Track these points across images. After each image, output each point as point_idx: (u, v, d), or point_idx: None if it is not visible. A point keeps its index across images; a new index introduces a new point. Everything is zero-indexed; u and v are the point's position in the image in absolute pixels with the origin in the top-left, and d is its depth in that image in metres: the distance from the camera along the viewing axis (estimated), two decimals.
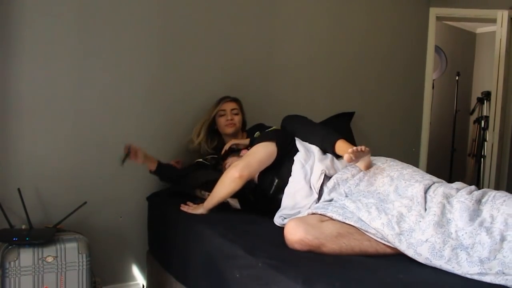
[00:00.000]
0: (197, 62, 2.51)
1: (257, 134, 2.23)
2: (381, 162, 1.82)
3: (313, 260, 1.35)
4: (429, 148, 3.66)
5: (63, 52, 2.13)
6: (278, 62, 2.82)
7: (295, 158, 1.85)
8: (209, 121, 2.37)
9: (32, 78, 2.07)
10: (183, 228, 1.89)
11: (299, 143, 1.93)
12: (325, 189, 1.76)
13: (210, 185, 2.02)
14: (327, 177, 1.79)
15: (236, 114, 2.37)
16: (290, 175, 1.82)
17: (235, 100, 2.42)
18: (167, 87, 2.43)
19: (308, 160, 1.83)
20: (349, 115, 3.06)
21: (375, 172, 1.74)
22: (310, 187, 1.78)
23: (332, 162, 1.84)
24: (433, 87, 3.81)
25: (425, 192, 1.52)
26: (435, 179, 1.62)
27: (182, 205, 1.98)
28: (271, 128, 2.21)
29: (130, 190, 2.32)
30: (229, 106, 2.37)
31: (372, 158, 1.88)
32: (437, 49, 4.31)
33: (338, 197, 1.68)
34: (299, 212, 1.74)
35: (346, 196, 1.68)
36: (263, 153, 1.85)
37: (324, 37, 3.02)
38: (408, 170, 1.69)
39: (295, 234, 1.43)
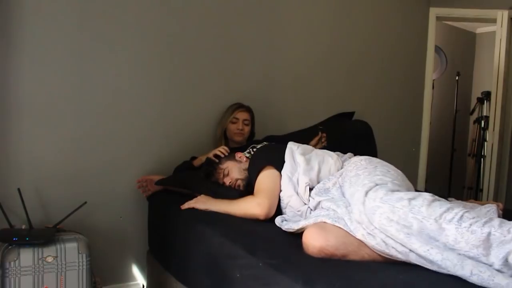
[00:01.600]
0: (196, 60, 2.51)
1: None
2: (354, 165, 1.77)
3: (313, 260, 1.35)
4: (429, 148, 3.66)
5: (64, 53, 2.13)
6: (278, 62, 2.82)
7: (282, 172, 1.85)
8: (223, 126, 2.49)
9: (33, 79, 2.07)
10: (183, 228, 1.89)
11: (288, 154, 1.90)
12: (311, 200, 1.75)
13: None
14: (311, 189, 1.78)
15: (247, 125, 2.48)
16: (281, 190, 1.83)
17: (249, 110, 2.52)
18: (169, 88, 2.43)
19: (294, 173, 1.83)
20: (349, 115, 3.07)
21: (351, 179, 1.68)
22: (300, 198, 1.78)
23: (317, 174, 1.81)
24: (433, 87, 3.81)
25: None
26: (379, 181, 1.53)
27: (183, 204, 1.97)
28: (260, 146, 2.21)
29: (130, 190, 2.32)
30: (242, 116, 2.47)
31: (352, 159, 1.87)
32: (437, 49, 4.30)
33: (324, 202, 1.65)
34: (300, 215, 1.75)
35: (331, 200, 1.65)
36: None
37: (323, 37, 3.02)
38: (360, 176, 1.62)
39: (315, 244, 1.37)
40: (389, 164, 1.74)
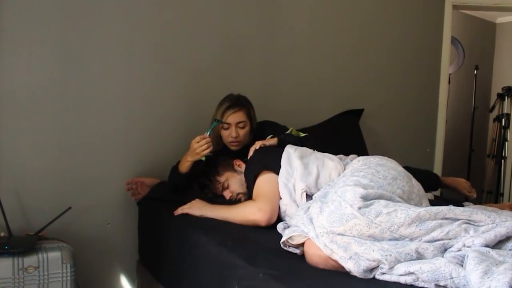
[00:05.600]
0: (193, 53, 2.51)
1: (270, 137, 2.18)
2: (352, 167, 1.78)
3: (317, 270, 1.36)
4: (445, 149, 3.67)
5: (47, 47, 2.13)
6: (280, 55, 2.83)
7: (278, 178, 1.86)
8: (216, 133, 2.21)
9: (14, 75, 2.07)
10: (177, 236, 1.89)
11: (284, 159, 1.90)
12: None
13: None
14: (309, 197, 1.77)
15: (243, 127, 2.18)
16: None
17: (242, 108, 2.17)
18: (160, 83, 2.43)
19: (290, 179, 1.83)
20: (358, 113, 3.07)
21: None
22: (297, 205, 1.79)
23: (316, 180, 1.81)
24: (449, 82, 3.81)
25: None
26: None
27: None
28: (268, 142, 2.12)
29: (119, 194, 2.32)
30: (234, 119, 2.15)
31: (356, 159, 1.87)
32: (454, 40, 4.31)
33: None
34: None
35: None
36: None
37: (330, 27, 3.02)
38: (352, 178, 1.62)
39: (321, 254, 1.37)
40: (392, 165, 1.72)
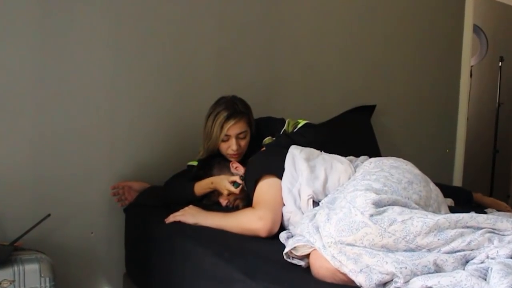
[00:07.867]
0: (186, 45, 2.52)
1: (268, 139, 2.20)
2: (363, 170, 1.78)
3: (324, 285, 1.36)
4: (466, 149, 3.67)
5: (23, 37, 2.12)
6: (284, 46, 2.83)
7: (282, 183, 1.86)
8: (211, 145, 2.15)
9: None
10: (168, 246, 1.89)
11: (288, 161, 1.90)
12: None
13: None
14: (316, 203, 1.77)
15: (243, 138, 2.14)
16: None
17: (242, 116, 2.12)
18: (149, 76, 2.43)
19: (294, 183, 1.83)
20: (369, 109, 3.07)
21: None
22: (302, 213, 1.78)
23: (323, 185, 1.80)
24: (471, 75, 3.81)
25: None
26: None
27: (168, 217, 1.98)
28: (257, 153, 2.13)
29: (103, 200, 2.32)
30: (235, 130, 2.10)
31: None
32: (476, 29, 4.31)
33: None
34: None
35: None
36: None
37: (339, 16, 3.03)
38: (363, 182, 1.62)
39: (328, 266, 1.38)
40: (407, 167, 1.73)
